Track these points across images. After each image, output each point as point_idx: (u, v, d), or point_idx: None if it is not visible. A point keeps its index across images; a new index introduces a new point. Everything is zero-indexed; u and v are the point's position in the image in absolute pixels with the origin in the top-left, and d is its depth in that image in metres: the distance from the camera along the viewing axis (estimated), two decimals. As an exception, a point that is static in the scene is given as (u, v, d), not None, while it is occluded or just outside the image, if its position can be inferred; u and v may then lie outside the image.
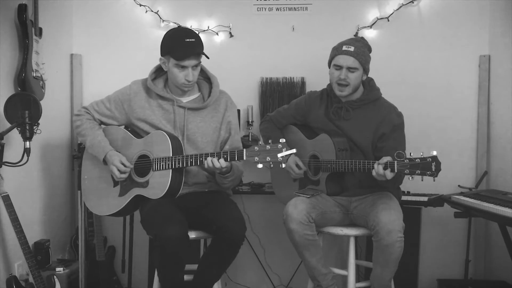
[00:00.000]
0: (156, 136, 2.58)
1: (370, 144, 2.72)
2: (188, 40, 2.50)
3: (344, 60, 2.69)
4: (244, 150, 2.35)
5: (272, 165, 2.29)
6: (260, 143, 2.32)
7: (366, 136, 2.72)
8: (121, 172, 2.56)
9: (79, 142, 3.45)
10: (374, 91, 2.80)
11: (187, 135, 2.63)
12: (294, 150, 2.29)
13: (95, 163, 2.71)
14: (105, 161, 2.62)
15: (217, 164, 2.41)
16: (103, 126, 2.76)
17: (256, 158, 2.30)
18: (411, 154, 2.39)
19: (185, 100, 2.68)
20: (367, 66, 2.75)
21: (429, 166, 2.34)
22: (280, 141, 2.29)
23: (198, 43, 2.53)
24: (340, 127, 2.76)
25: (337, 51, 2.74)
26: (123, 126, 2.75)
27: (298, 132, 2.94)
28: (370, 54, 2.78)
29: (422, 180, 2.40)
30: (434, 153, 2.36)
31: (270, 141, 2.32)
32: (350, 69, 2.69)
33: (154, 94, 2.67)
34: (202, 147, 2.65)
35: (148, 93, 2.68)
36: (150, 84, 2.65)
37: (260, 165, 2.30)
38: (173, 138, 2.55)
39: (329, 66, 2.80)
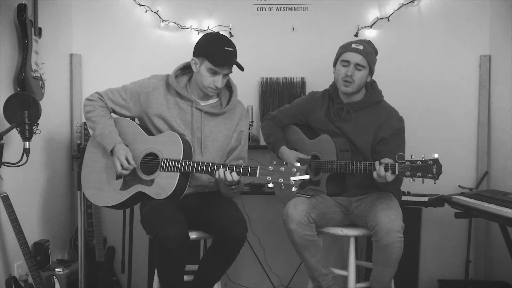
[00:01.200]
0: (168, 137, 2.57)
1: (369, 146, 2.71)
2: (227, 48, 2.53)
3: (353, 57, 2.69)
4: (258, 167, 2.35)
5: (283, 187, 2.30)
6: (274, 162, 2.33)
7: (365, 139, 2.72)
8: (123, 168, 2.55)
9: (79, 142, 3.45)
10: (376, 94, 2.79)
11: (200, 138, 2.63)
12: (307, 176, 2.29)
13: (100, 152, 2.67)
14: (112, 153, 2.60)
15: (229, 177, 2.40)
16: (114, 116, 2.72)
17: (268, 177, 2.31)
18: (412, 156, 2.39)
19: (203, 103, 2.67)
20: (373, 67, 2.75)
21: (430, 169, 2.34)
22: (295, 164, 2.30)
23: (235, 54, 2.56)
24: (340, 128, 2.76)
25: (346, 48, 2.74)
26: (135, 120, 2.73)
27: (299, 131, 2.93)
28: (376, 57, 2.79)
29: (423, 183, 2.39)
30: (436, 155, 2.35)
31: (285, 162, 2.33)
32: (357, 66, 2.69)
33: (173, 92, 2.64)
34: (212, 152, 2.64)
35: (167, 90, 2.66)
36: (172, 81, 2.63)
37: (271, 185, 2.31)
38: (185, 142, 2.54)
39: (334, 65, 2.80)
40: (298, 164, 2.30)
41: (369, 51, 2.71)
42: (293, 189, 2.29)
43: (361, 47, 2.69)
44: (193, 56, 2.58)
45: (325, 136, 2.76)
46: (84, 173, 2.74)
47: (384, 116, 2.73)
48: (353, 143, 2.73)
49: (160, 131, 2.62)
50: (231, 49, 2.54)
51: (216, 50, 2.52)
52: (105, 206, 2.66)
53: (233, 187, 2.51)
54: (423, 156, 2.37)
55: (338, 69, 2.75)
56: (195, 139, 2.62)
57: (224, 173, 2.41)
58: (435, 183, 2.37)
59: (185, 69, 2.68)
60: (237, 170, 2.40)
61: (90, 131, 2.74)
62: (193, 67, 2.59)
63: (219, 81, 2.55)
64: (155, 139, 2.60)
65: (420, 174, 2.35)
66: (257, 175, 2.35)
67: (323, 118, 2.82)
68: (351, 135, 2.73)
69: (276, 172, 2.30)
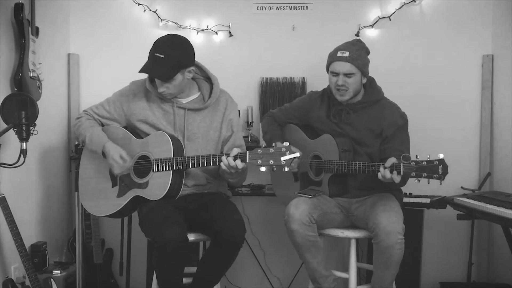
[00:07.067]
0: (157, 137, 2.56)
1: (374, 146, 2.69)
2: (157, 54, 2.44)
3: (340, 67, 2.66)
4: (247, 152, 2.33)
5: (275, 169, 2.27)
6: (263, 145, 2.30)
7: (369, 140, 2.69)
8: (120, 166, 2.52)
9: (76, 143, 3.42)
10: (375, 92, 2.77)
11: (188, 136, 2.60)
12: (297, 154, 2.27)
13: (93, 162, 2.68)
14: (104, 155, 2.58)
15: (234, 164, 2.35)
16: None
17: (259, 161, 2.28)
18: (418, 157, 2.36)
19: (185, 100, 2.65)
20: (365, 70, 2.71)
21: (436, 169, 2.31)
22: (284, 144, 2.27)
23: (164, 62, 2.43)
24: (342, 129, 2.73)
25: (332, 57, 2.71)
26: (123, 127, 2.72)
27: (299, 131, 2.92)
28: (369, 56, 2.74)
29: (428, 183, 2.37)
30: (441, 156, 2.32)
31: (274, 144, 2.31)
32: (347, 75, 2.66)
33: (153, 95, 2.64)
34: (203, 147, 2.62)
35: (148, 94, 2.65)
36: (149, 86, 2.63)
37: (263, 168, 2.28)
38: (174, 139, 2.53)
39: (327, 71, 2.77)
40: (287, 143, 2.27)
41: (356, 55, 2.66)
42: (286, 169, 2.26)
43: (346, 54, 2.65)
44: None
45: (327, 136, 2.73)
46: (81, 186, 2.74)
47: (386, 115, 2.71)
48: (357, 143, 2.70)
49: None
50: (161, 56, 2.43)
51: (149, 54, 2.48)
52: (105, 215, 2.66)
53: (233, 171, 2.43)
54: (428, 156, 2.34)
55: (330, 79, 2.73)
56: (181, 138, 2.60)
57: (227, 160, 2.35)
58: (441, 184, 2.35)
59: None
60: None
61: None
62: None
63: (161, 87, 2.52)
64: (144, 142, 2.60)
65: (425, 174, 2.33)
66: (247, 160, 2.33)
67: (324, 119, 2.80)
68: (353, 135, 2.71)
69: (265, 154, 2.27)
